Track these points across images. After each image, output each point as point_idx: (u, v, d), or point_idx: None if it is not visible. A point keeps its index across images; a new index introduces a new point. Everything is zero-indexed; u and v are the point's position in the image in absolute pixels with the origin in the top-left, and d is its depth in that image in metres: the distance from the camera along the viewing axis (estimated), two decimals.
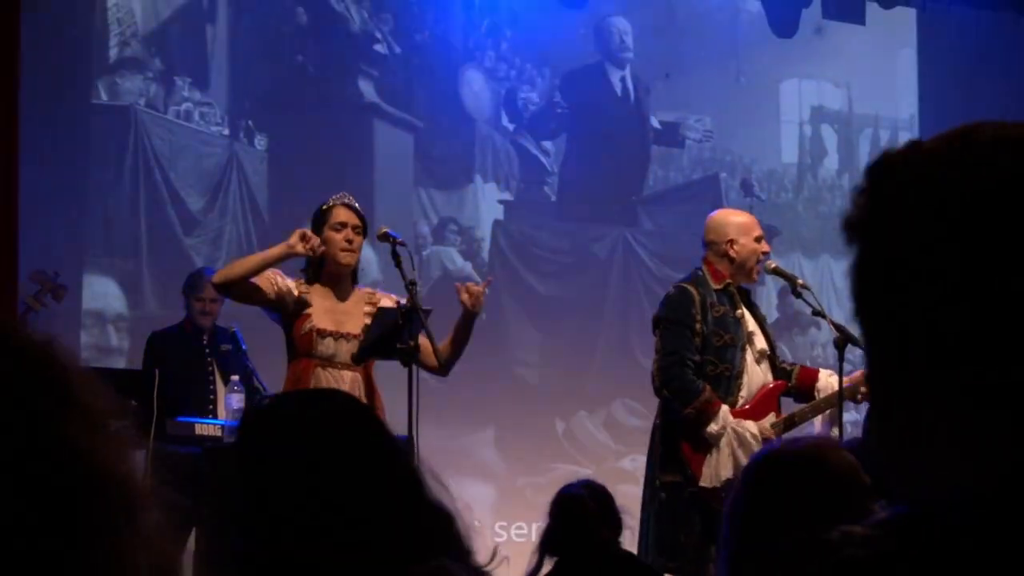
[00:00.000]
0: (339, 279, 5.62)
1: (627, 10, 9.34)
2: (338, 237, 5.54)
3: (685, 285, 5.85)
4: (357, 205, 5.69)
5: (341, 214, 5.58)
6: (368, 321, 5.55)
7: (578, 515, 4.35)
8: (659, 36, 9.33)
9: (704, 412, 5.62)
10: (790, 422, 5.80)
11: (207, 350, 6.90)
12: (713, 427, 5.63)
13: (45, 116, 7.48)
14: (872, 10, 9.53)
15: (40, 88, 7.41)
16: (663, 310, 5.83)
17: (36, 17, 7.05)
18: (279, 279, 5.52)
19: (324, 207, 5.63)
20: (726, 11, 9.53)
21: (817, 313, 5.83)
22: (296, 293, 5.54)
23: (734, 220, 5.97)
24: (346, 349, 5.54)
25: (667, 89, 9.36)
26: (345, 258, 5.55)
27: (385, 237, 5.62)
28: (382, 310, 5.55)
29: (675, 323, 5.75)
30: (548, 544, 4.40)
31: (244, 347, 6.70)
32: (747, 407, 5.74)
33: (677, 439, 5.70)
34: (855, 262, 1.08)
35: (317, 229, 5.56)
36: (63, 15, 8.15)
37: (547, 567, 4.42)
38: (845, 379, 5.69)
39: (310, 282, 5.62)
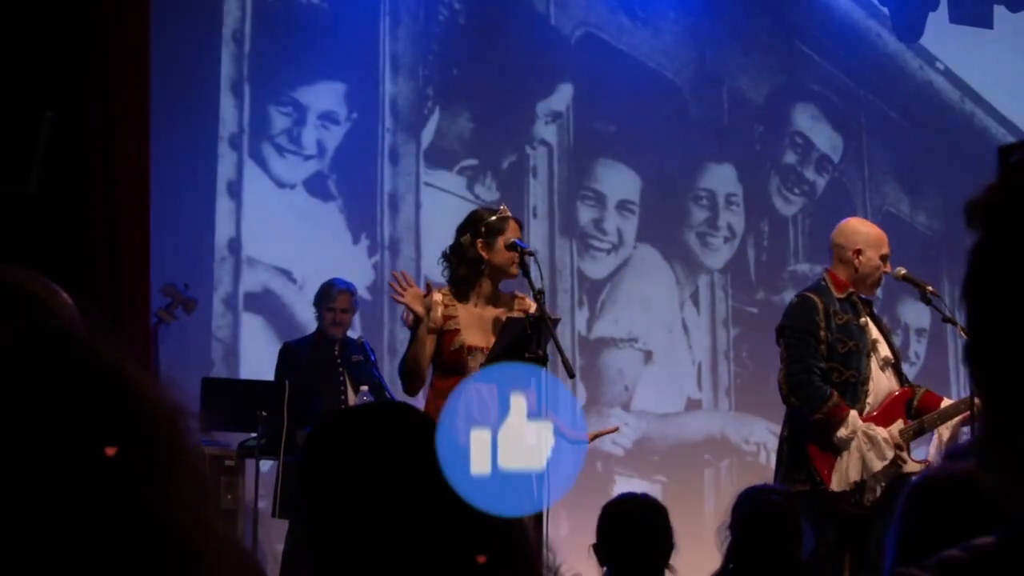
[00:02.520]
0: (494, 288, 5.60)
1: None
2: (512, 253, 5.52)
3: (807, 294, 5.84)
4: None
5: (517, 229, 5.59)
6: None
7: (777, 526, 4.17)
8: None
9: (833, 417, 5.62)
10: (919, 428, 5.79)
11: (338, 360, 6.85)
12: (843, 431, 5.62)
13: (174, 129, 7.36)
14: (1000, 13, 9.42)
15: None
16: (786, 319, 5.83)
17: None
18: (431, 318, 5.48)
19: (496, 216, 5.59)
20: None
21: (947, 320, 5.80)
22: (441, 313, 5.50)
23: (865, 231, 5.94)
24: None
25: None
26: (516, 271, 5.53)
27: (513, 247, 5.54)
28: (510, 319, 5.48)
29: (799, 331, 5.75)
30: (737, 553, 4.24)
31: (374, 357, 6.67)
32: (875, 414, 5.72)
33: (804, 447, 5.68)
34: (974, 251, 1.02)
35: (488, 237, 5.53)
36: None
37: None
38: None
39: (458, 296, 5.57)
